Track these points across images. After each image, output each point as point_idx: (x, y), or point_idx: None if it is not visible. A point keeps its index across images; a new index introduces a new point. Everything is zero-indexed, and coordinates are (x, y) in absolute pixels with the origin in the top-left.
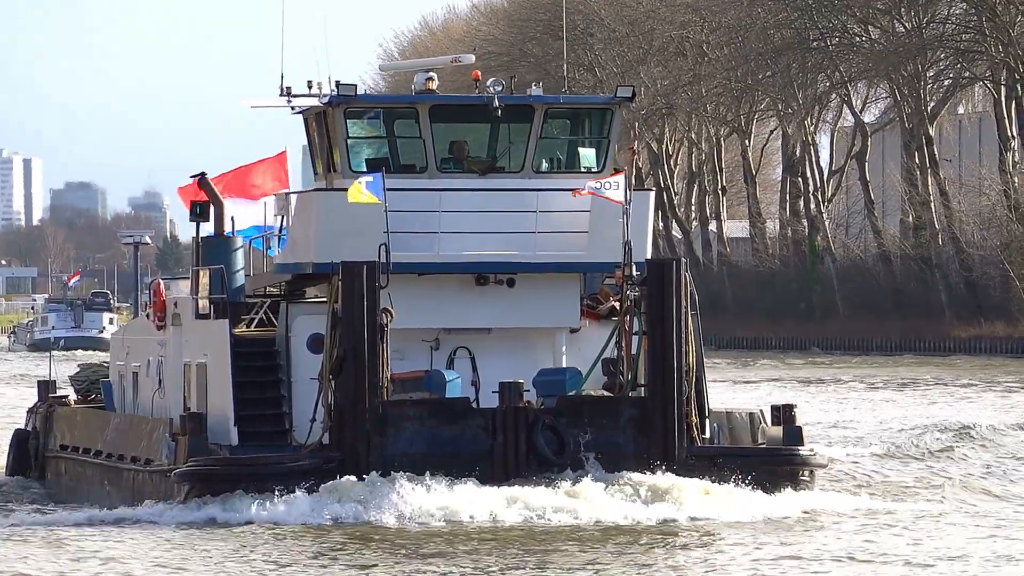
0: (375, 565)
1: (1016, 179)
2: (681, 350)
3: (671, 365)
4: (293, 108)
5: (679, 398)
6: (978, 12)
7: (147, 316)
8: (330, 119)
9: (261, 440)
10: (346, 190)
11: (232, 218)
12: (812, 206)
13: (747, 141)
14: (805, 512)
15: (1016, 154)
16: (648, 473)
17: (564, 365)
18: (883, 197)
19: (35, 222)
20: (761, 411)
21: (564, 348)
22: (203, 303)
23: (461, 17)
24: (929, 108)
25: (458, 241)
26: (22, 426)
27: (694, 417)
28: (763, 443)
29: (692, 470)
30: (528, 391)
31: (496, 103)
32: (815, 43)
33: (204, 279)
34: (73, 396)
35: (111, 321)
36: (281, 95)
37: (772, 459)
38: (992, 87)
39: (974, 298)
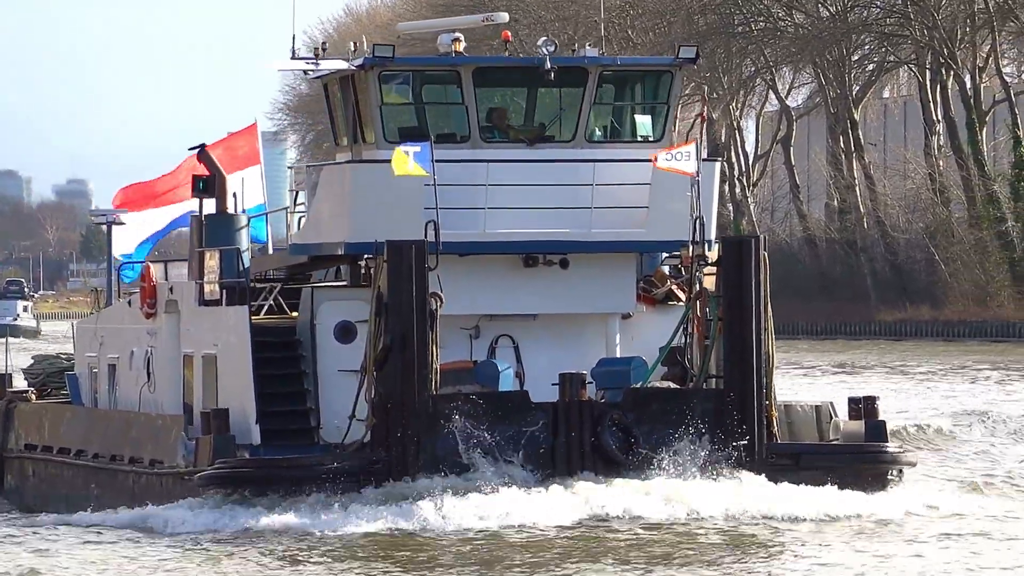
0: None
1: (941, 163)
2: (760, 338)
3: (750, 354)
4: (307, 73)
5: (759, 391)
6: None
7: (128, 303)
8: (360, 84)
9: (285, 439)
10: (380, 162)
11: (235, 195)
12: (737, 190)
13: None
14: (906, 514)
15: (940, 138)
16: (726, 473)
17: (617, 354)
18: (808, 181)
19: None
20: (831, 404)
21: (617, 336)
22: (211, 288)
23: (386, 4)
24: (854, 92)
25: (506, 218)
26: None
27: (774, 411)
28: (835, 439)
29: (773, 469)
30: (589, 383)
31: (548, 65)
32: (740, 28)
33: (212, 261)
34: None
35: (25, 308)
36: (294, 58)
37: (860, 457)
38: (917, 71)
39: (899, 281)
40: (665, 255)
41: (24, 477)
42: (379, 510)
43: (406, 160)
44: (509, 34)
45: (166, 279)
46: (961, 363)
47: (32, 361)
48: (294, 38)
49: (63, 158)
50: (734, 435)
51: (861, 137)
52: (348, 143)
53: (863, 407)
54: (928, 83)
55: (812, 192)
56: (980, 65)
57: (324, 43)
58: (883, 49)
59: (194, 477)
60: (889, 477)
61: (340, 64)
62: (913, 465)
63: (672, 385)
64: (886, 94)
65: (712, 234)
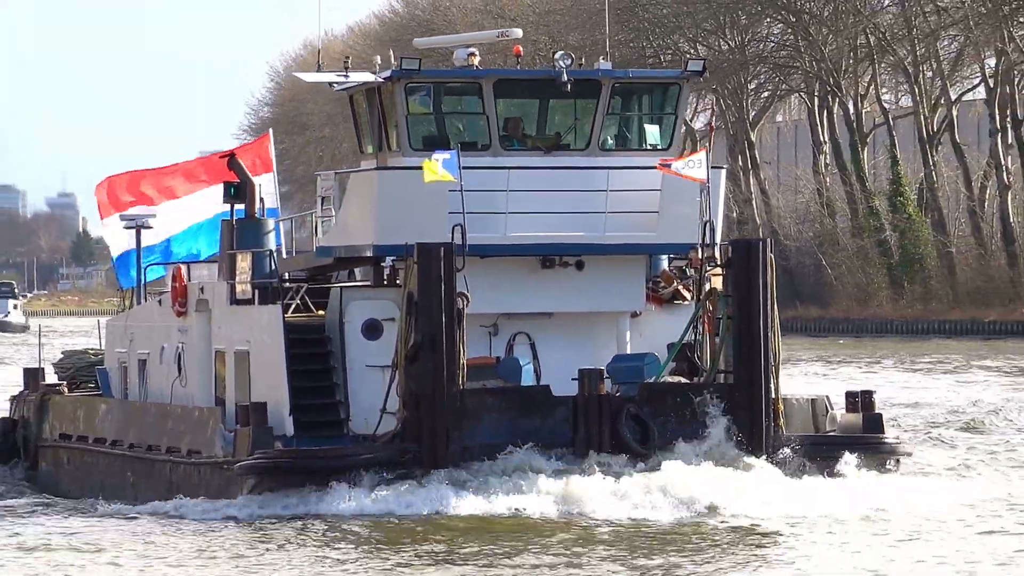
0: (470, 558)
1: (827, 179)
2: (768, 335)
3: (759, 351)
4: (332, 85)
5: (767, 386)
6: (794, 32)
7: (158, 302)
8: (387, 95)
9: (317, 431)
10: (406, 168)
11: (262, 199)
12: None
13: None
14: (905, 502)
15: (827, 157)
16: (737, 462)
17: (628, 350)
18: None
19: None
20: (827, 397)
21: (628, 333)
22: (243, 288)
23: (337, 39)
24: (750, 117)
25: (526, 222)
26: None
27: (780, 405)
28: (832, 431)
29: (780, 459)
30: (606, 378)
31: (565, 77)
32: (651, 60)
33: (244, 263)
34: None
35: (15, 307)
36: (318, 70)
37: (861, 448)
38: (806, 98)
39: (791, 284)
40: (665, 257)
41: (59, 465)
42: (411, 498)
43: (436, 167)
44: (520, 48)
45: (188, 280)
46: (845, 355)
47: (62, 356)
48: (319, 52)
49: (55, 174)
50: (743, 428)
51: (757, 156)
52: (373, 151)
53: (860, 400)
54: (816, 109)
55: None
56: (862, 93)
57: (348, 58)
58: (776, 79)
59: (233, 467)
60: (887, 467)
61: (367, 77)
62: (909, 455)
63: (683, 380)
64: (779, 118)
65: (719, 237)
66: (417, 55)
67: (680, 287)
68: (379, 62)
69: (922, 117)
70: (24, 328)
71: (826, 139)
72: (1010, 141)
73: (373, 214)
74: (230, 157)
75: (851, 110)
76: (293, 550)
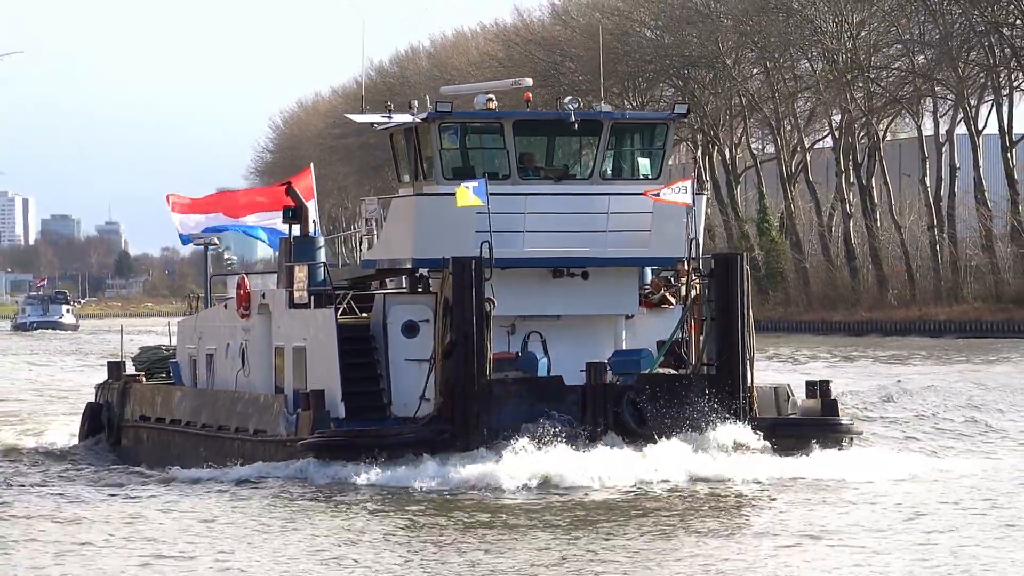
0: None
1: (708, 210)
2: (745, 334)
3: (736, 347)
4: (373, 125)
5: (744, 376)
6: (683, 94)
7: (224, 306)
8: (423, 133)
9: (364, 414)
10: (440, 195)
11: (314, 221)
12: None
13: None
14: (862, 471)
15: (708, 192)
16: (718, 441)
17: (623, 347)
18: None
19: (31, 242)
20: (788, 385)
21: (623, 332)
22: (300, 294)
23: (324, 99)
24: None
25: (540, 239)
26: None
27: (755, 393)
28: (793, 414)
29: (756, 438)
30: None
31: (573, 118)
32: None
33: (301, 273)
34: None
35: (68, 310)
36: (361, 109)
37: (822, 428)
38: (692, 145)
39: None
40: (649, 269)
41: (139, 442)
42: (447, 470)
43: (467, 193)
44: (530, 95)
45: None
46: None
47: (139, 351)
48: (363, 98)
49: (103, 204)
50: (724, 412)
51: None
52: (410, 180)
53: (819, 388)
54: (700, 154)
55: None
56: (736, 142)
57: (389, 103)
58: None
59: (296, 444)
60: (844, 444)
61: (407, 118)
62: (860, 434)
63: (672, 371)
64: (670, 163)
65: (701, 251)
66: (448, 100)
67: (667, 293)
68: (416, 106)
69: (783, 161)
70: (75, 327)
71: (707, 178)
72: (851, 180)
73: (412, 233)
74: (288, 185)
75: (727, 156)
76: (349, 514)
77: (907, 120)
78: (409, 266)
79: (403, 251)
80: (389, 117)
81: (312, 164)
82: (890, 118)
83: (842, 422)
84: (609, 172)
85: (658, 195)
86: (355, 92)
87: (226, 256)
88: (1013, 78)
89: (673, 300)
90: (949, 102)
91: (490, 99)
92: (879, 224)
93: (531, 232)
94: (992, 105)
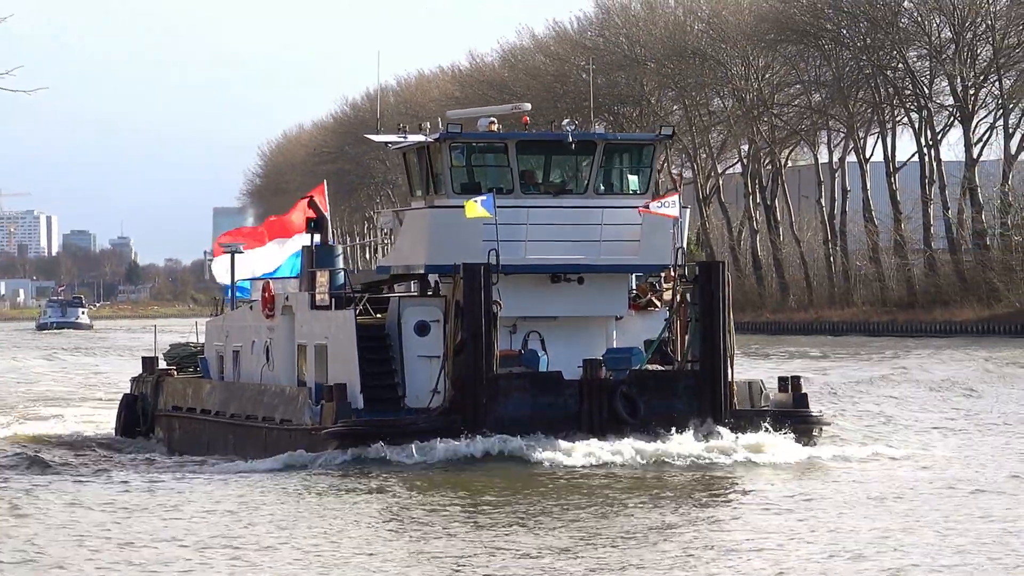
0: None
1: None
2: (725, 334)
3: (718, 346)
4: (387, 144)
5: (725, 372)
6: (613, 127)
7: (250, 307)
8: (434, 152)
9: (381, 405)
10: (451, 207)
11: (334, 232)
12: None
13: None
14: (834, 456)
15: (689, 207)
16: (701, 429)
17: (614, 346)
18: None
19: (53, 254)
20: (761, 381)
21: (614, 332)
22: (322, 296)
23: (306, 131)
24: None
25: (540, 248)
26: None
27: (734, 386)
28: (766, 407)
29: (734, 427)
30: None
31: (571, 139)
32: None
33: (323, 278)
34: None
35: (83, 313)
36: (374, 131)
37: (795, 419)
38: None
39: None
40: (633, 276)
41: (171, 430)
42: (457, 454)
43: (475, 206)
44: (528, 119)
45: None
46: None
47: (169, 347)
48: (379, 121)
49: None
50: (706, 403)
51: None
52: (422, 194)
53: (790, 383)
54: None
55: None
56: (659, 168)
57: (405, 125)
58: None
59: (321, 432)
60: (814, 434)
61: (420, 138)
62: (829, 425)
63: (659, 368)
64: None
65: (681, 260)
66: (458, 123)
67: (653, 297)
68: (428, 127)
69: (699, 184)
70: (89, 327)
71: None
72: (758, 201)
73: (425, 241)
74: (310, 199)
75: None
76: (373, 494)
77: (805, 150)
78: (422, 272)
79: (417, 258)
80: (404, 137)
81: (325, 181)
82: (791, 148)
83: (813, 413)
84: (602, 187)
85: (647, 207)
86: (331, 126)
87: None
88: (896, 114)
89: (658, 303)
90: (841, 134)
91: (492, 122)
92: (781, 239)
93: (532, 241)
94: (878, 137)
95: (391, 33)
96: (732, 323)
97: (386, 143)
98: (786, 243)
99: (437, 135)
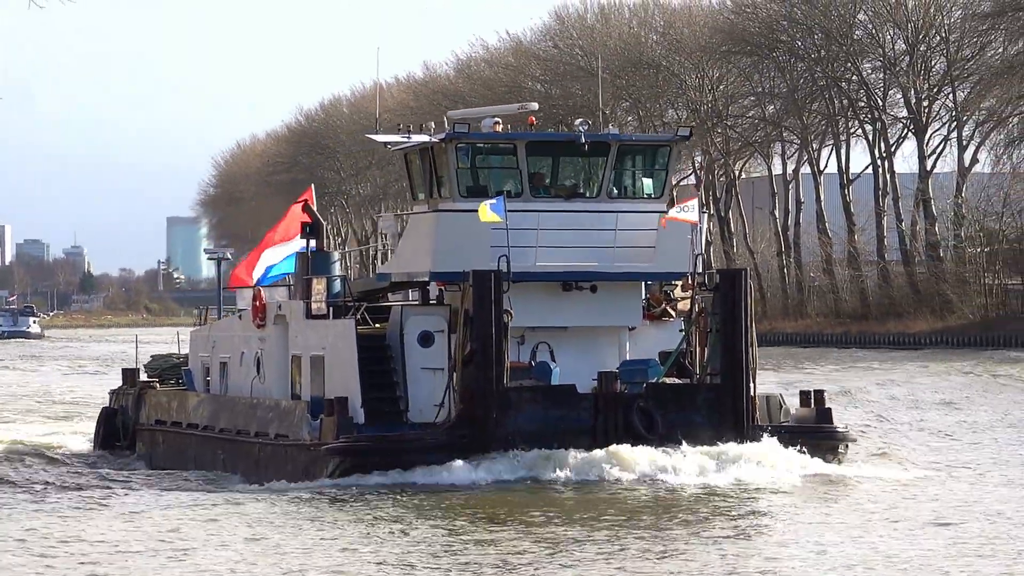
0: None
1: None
2: (748, 345)
3: (740, 358)
4: (386, 145)
5: (747, 386)
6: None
7: (238, 317)
8: (439, 153)
9: (383, 419)
10: (457, 211)
11: (329, 236)
12: None
13: None
14: (854, 475)
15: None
16: (722, 445)
17: (627, 358)
18: None
19: (6, 263)
20: (780, 395)
21: (627, 343)
22: (318, 305)
23: (260, 140)
24: None
25: (551, 254)
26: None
27: (756, 401)
28: (786, 422)
29: (756, 443)
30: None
31: (583, 140)
32: None
33: (319, 285)
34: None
35: (34, 322)
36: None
37: (819, 435)
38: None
39: None
40: (643, 284)
41: (154, 445)
42: (467, 472)
43: (487, 210)
44: (534, 119)
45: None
46: None
47: (151, 359)
48: (378, 121)
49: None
50: (728, 418)
51: None
52: (425, 197)
53: (813, 397)
54: None
55: None
56: None
57: (408, 125)
58: None
59: (321, 448)
60: (839, 451)
61: (424, 138)
62: (855, 441)
63: (677, 381)
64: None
65: (701, 267)
66: (465, 122)
67: (667, 307)
68: (432, 128)
69: None
70: (40, 336)
71: None
72: (712, 212)
73: (431, 247)
74: (304, 203)
75: None
76: (377, 513)
77: (759, 161)
78: (425, 279)
79: (420, 265)
80: (407, 137)
81: (312, 185)
82: (745, 159)
83: (839, 429)
84: (615, 191)
85: (666, 214)
86: (286, 136)
87: (175, 275)
88: (849, 125)
89: (674, 313)
90: (795, 146)
91: (496, 122)
92: (735, 250)
93: (543, 248)
94: (832, 148)
95: (350, 42)
96: (755, 334)
97: (387, 144)
98: (740, 254)
99: (443, 135)
